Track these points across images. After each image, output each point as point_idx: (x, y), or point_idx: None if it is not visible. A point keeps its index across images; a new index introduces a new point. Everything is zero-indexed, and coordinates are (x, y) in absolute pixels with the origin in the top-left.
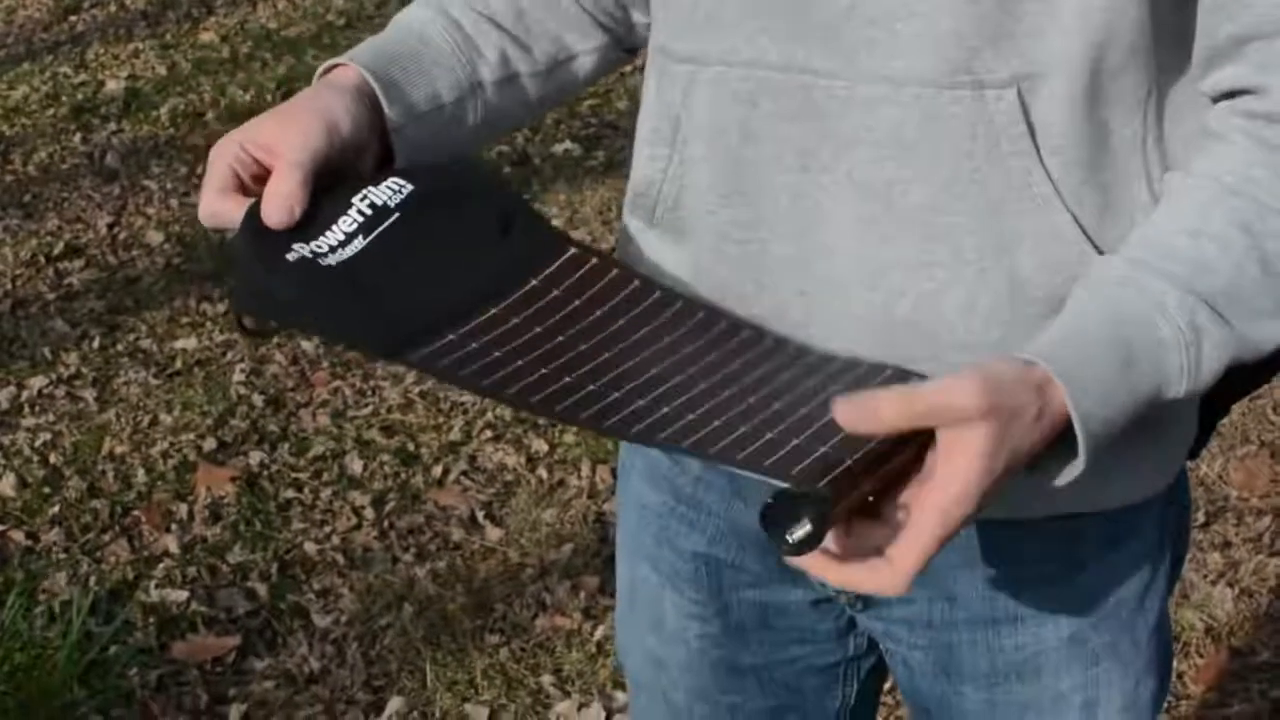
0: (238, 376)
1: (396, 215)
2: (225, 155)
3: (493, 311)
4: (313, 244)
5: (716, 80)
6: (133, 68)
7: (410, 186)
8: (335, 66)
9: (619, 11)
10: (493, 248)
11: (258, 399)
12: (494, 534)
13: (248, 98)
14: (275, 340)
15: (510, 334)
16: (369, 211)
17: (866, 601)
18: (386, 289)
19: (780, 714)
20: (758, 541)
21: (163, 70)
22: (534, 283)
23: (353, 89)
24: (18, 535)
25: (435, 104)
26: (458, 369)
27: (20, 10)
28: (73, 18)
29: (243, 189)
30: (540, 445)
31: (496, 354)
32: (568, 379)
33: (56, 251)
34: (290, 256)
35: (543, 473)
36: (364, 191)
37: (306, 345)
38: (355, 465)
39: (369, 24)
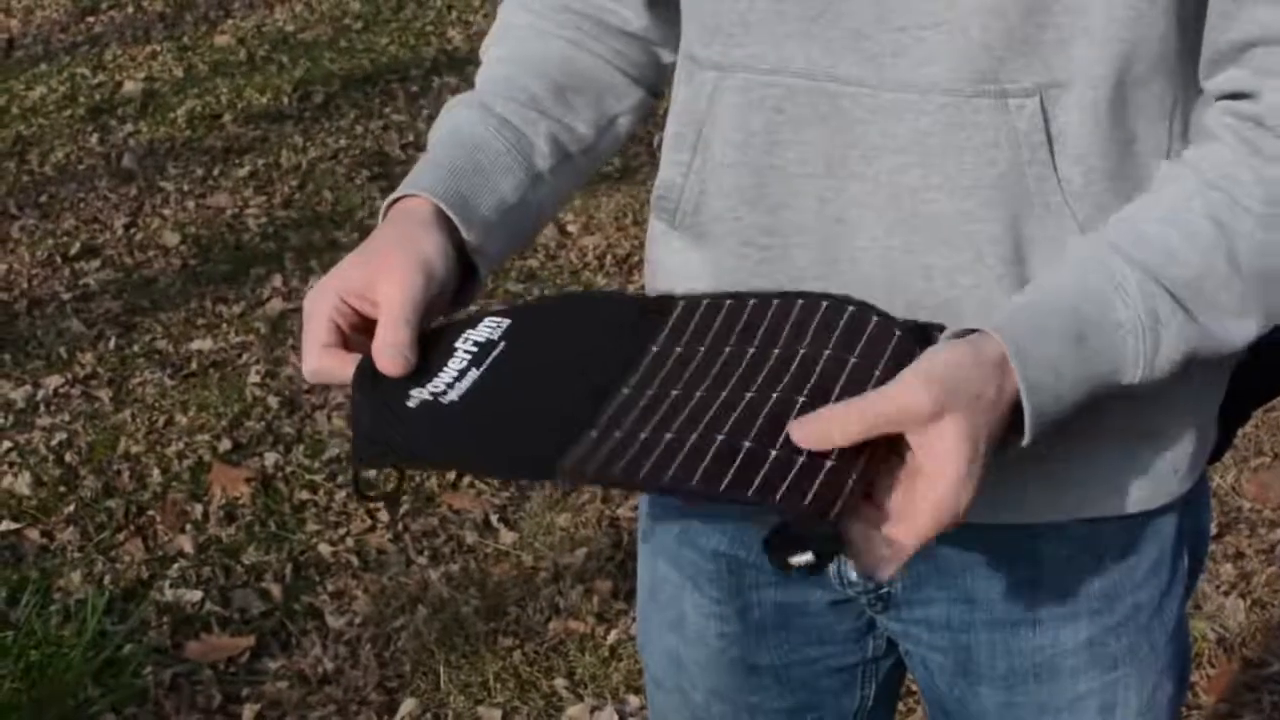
0: (253, 378)
1: (503, 345)
2: (324, 309)
3: (625, 393)
4: (429, 386)
5: (742, 87)
6: (150, 69)
7: (507, 320)
8: (402, 197)
9: (646, 58)
10: (603, 339)
11: (273, 400)
12: (508, 537)
13: (264, 100)
14: (290, 342)
15: (649, 409)
16: (474, 349)
17: (886, 602)
18: (515, 411)
19: (798, 714)
20: None
21: (180, 72)
22: (654, 349)
23: (431, 220)
24: (33, 534)
25: (503, 209)
26: (611, 465)
27: (38, 11)
28: (90, 19)
29: (344, 342)
30: None
31: (643, 435)
32: (720, 437)
33: (73, 251)
34: (411, 403)
35: None
36: (464, 334)
37: None
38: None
39: (385, 28)
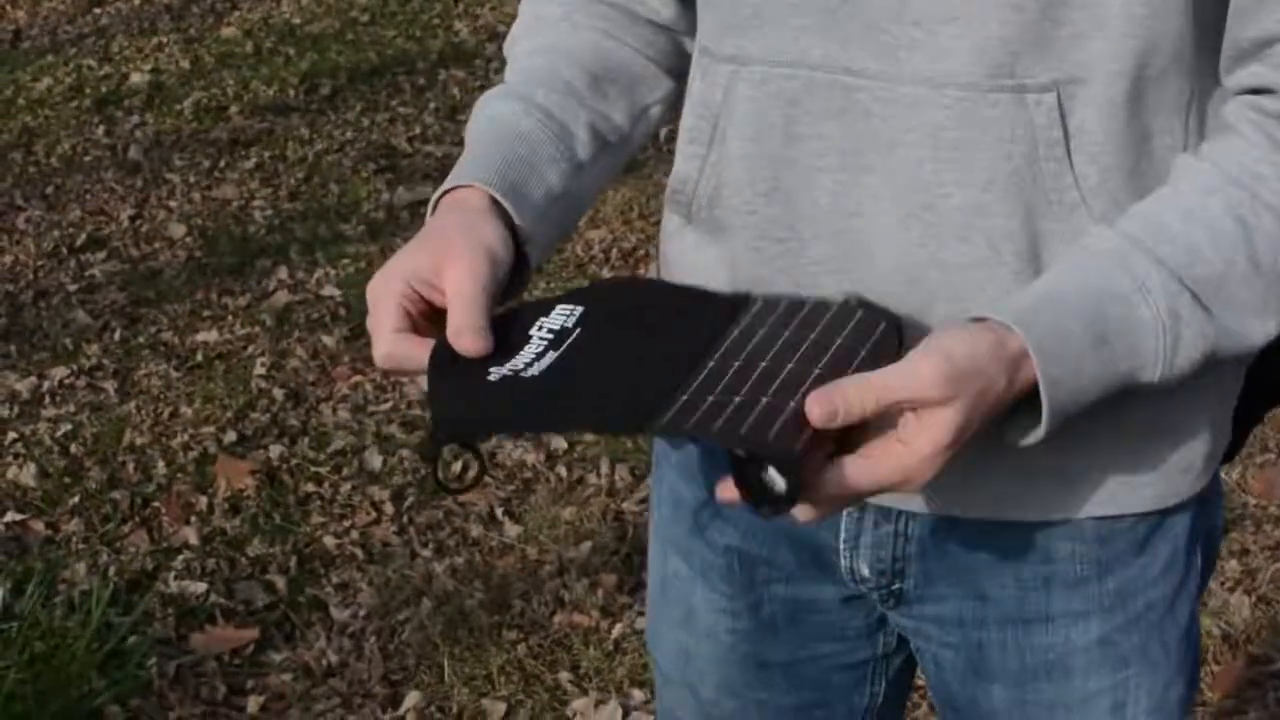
0: (258, 370)
1: (578, 330)
2: (392, 294)
3: (711, 364)
4: (508, 365)
5: (759, 80)
6: (156, 61)
7: (579, 307)
8: (453, 189)
9: (673, 48)
10: (680, 322)
11: (278, 392)
12: (513, 531)
13: (271, 92)
14: (295, 334)
15: (738, 377)
16: (550, 335)
17: (898, 599)
18: (599, 378)
19: (807, 711)
20: (791, 536)
21: (186, 64)
22: (735, 331)
23: (488, 210)
24: (38, 525)
25: (551, 199)
26: (710, 422)
27: (45, 2)
28: (97, 10)
29: (413, 327)
30: (559, 443)
31: (737, 398)
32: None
33: (79, 243)
34: (492, 378)
35: (562, 470)
36: (538, 321)
37: (327, 339)
38: (375, 460)
39: (392, 20)
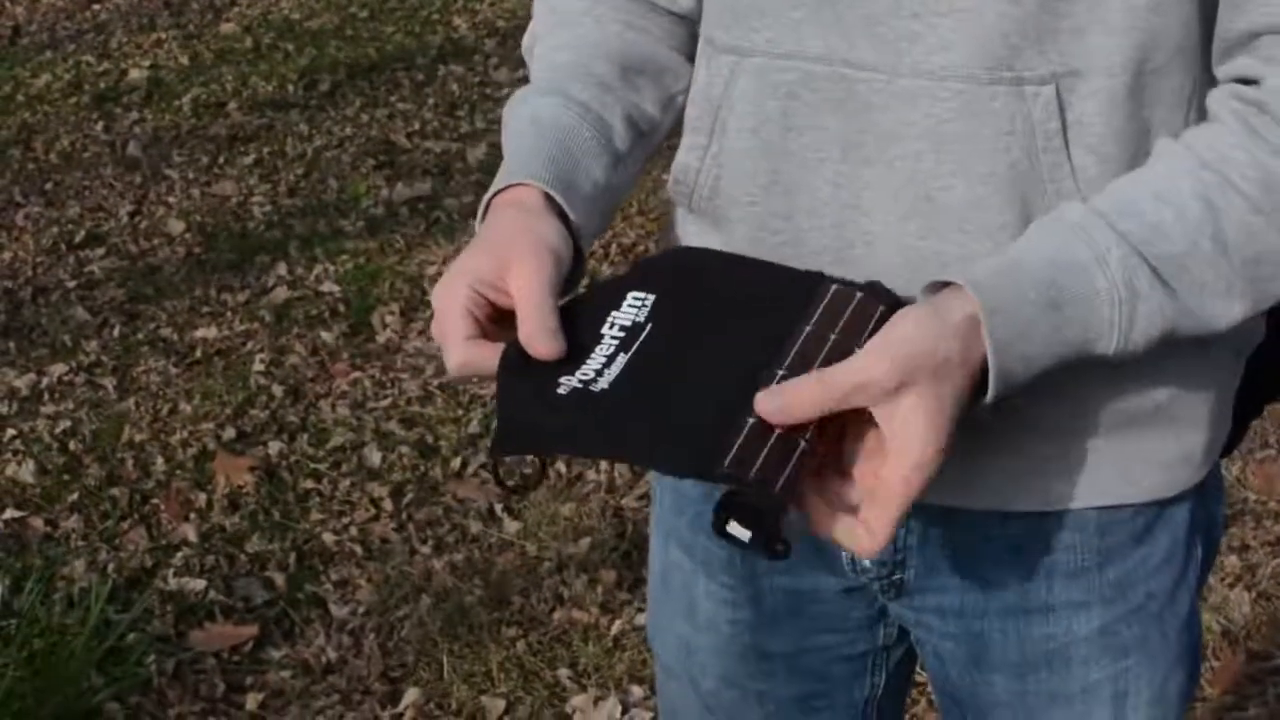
0: (257, 366)
1: (650, 326)
2: (458, 301)
3: (780, 373)
4: (578, 374)
5: (759, 71)
6: (155, 57)
7: (650, 296)
8: (506, 187)
9: (693, 38)
10: (751, 311)
11: (277, 389)
12: (512, 527)
13: (270, 88)
14: (294, 330)
15: None
16: (622, 334)
17: (899, 589)
18: (668, 400)
19: (808, 702)
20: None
21: (185, 60)
22: (808, 328)
23: (543, 207)
24: (37, 522)
25: (598, 191)
26: (782, 464)
27: None
28: (96, 6)
29: (482, 332)
30: None
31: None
32: None
33: (78, 239)
34: (562, 390)
35: (561, 466)
36: (609, 316)
37: (326, 335)
38: (374, 457)
39: (391, 16)
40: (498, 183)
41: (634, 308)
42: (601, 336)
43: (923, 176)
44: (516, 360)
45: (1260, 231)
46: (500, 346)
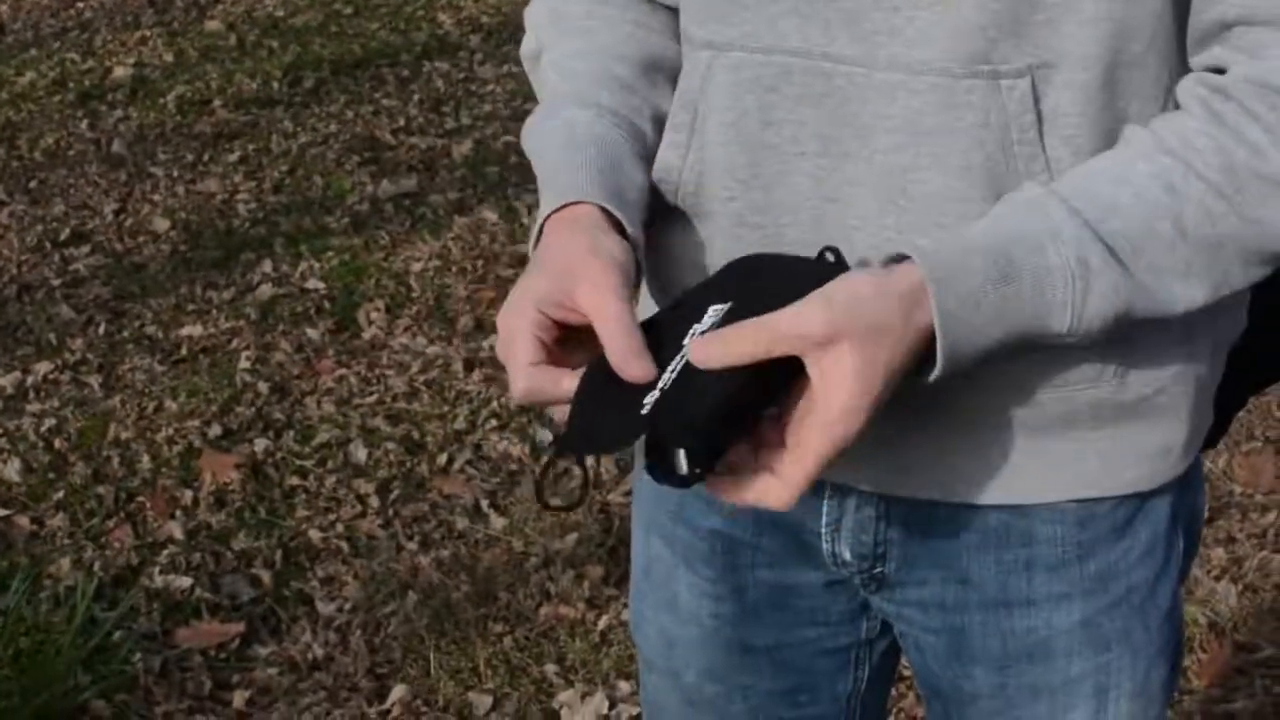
0: (243, 363)
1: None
2: (525, 325)
3: None
4: (659, 386)
5: (736, 65)
6: (140, 55)
7: (727, 304)
8: (561, 207)
9: None
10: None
11: (263, 386)
12: (498, 523)
13: (254, 85)
14: (280, 328)
15: None
16: None
17: (880, 583)
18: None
19: (791, 696)
20: (773, 521)
21: (170, 57)
22: None
23: (602, 222)
24: (23, 520)
25: (642, 197)
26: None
27: None
28: (80, 4)
29: (548, 356)
30: (544, 434)
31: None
32: None
33: (63, 237)
34: (645, 410)
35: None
36: (690, 330)
37: (312, 333)
38: (360, 453)
39: (375, 13)
40: (549, 203)
41: (712, 319)
42: (683, 347)
43: (900, 170)
44: (600, 380)
45: (1221, 217)
46: (565, 373)
